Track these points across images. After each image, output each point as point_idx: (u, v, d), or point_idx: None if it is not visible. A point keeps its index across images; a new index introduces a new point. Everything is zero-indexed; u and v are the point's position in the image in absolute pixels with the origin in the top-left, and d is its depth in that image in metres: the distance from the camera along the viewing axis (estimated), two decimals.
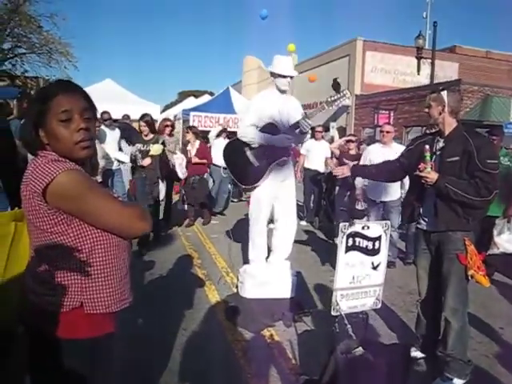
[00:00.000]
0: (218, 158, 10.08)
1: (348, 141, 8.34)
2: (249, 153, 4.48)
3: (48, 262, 1.69)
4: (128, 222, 1.74)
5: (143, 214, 1.81)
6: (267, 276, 4.57)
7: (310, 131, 4.52)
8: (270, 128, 4.44)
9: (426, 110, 3.51)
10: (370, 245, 2.87)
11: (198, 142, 8.84)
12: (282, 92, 4.51)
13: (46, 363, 1.71)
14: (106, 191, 1.83)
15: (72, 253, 1.67)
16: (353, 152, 8.02)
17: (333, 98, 4.36)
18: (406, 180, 6.38)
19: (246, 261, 5.51)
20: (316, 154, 9.26)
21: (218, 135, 10.65)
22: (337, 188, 8.27)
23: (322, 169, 9.22)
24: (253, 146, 4.49)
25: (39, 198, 1.61)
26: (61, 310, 1.66)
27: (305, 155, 9.58)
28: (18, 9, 23.17)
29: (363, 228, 2.85)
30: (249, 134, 4.47)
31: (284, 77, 4.43)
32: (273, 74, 4.49)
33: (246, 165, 4.50)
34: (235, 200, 11.95)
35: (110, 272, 1.74)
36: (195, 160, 8.67)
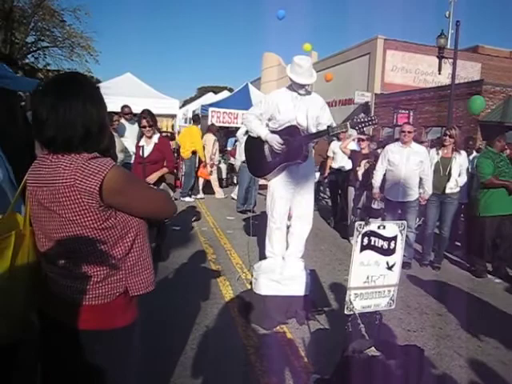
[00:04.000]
0: None
1: (358, 139, 8.27)
2: (266, 147, 4.49)
3: (91, 257, 1.70)
4: (165, 205, 1.92)
5: (170, 197, 1.99)
6: (282, 273, 4.56)
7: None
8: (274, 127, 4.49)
9: None
10: (385, 244, 2.84)
11: (156, 136, 6.15)
12: (300, 95, 4.48)
13: (74, 361, 1.74)
14: (141, 180, 1.89)
15: (119, 243, 1.75)
16: (365, 151, 7.95)
17: (358, 120, 4.23)
18: (426, 181, 6.37)
19: (261, 257, 5.52)
20: (341, 155, 9.22)
21: (246, 132, 10.58)
22: (353, 187, 8.21)
23: (348, 167, 9.15)
24: (251, 134, 4.63)
25: (91, 197, 1.61)
26: (106, 301, 1.73)
27: (331, 157, 9.58)
28: (41, 3, 23.51)
29: (379, 227, 2.82)
30: (249, 122, 4.60)
31: (302, 85, 4.38)
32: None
33: (261, 158, 4.54)
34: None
35: (146, 255, 1.86)
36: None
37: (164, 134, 13.38)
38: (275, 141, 4.35)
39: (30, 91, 3.59)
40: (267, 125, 4.56)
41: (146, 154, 5.95)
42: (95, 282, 1.71)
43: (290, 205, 4.65)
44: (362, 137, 8.30)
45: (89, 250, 1.69)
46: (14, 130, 3.05)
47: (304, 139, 4.32)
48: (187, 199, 11.48)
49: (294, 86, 4.44)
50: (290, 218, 4.76)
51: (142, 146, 6.00)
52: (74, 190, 1.60)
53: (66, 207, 1.63)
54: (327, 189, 13.27)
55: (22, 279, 1.86)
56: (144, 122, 5.98)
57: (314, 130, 4.40)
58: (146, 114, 6.05)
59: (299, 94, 4.44)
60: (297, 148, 4.32)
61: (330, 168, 9.65)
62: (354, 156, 8.22)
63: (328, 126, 4.26)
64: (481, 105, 13.53)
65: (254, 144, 4.62)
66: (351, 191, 8.16)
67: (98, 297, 1.72)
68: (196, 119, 12.23)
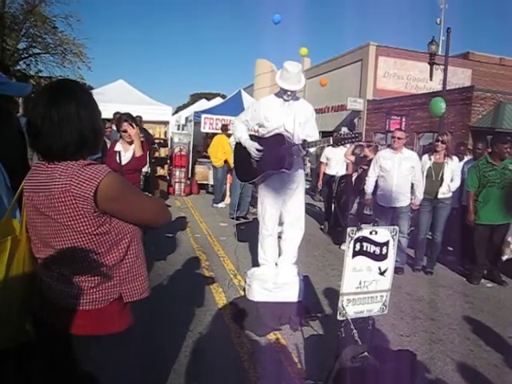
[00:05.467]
0: None
1: (358, 146, 8.31)
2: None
3: (85, 262, 1.72)
4: (160, 213, 1.94)
5: (165, 205, 2.02)
6: (275, 279, 4.57)
7: (307, 155, 4.56)
8: (255, 136, 4.61)
9: None
10: (377, 250, 2.85)
11: (137, 143, 5.24)
12: (286, 100, 4.48)
13: (68, 366, 1.75)
14: (137, 188, 1.91)
15: (113, 249, 1.76)
16: (371, 157, 7.96)
17: (342, 136, 4.22)
18: (417, 186, 6.41)
19: (253, 264, 5.52)
20: (335, 160, 9.25)
21: None
22: (347, 193, 8.24)
23: (342, 172, 9.19)
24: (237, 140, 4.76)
25: (86, 202, 1.63)
26: (100, 306, 1.74)
27: (325, 163, 9.60)
28: (33, 9, 23.43)
29: (371, 233, 2.84)
30: (235, 126, 4.79)
31: (286, 90, 4.39)
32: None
33: (247, 164, 4.61)
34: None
35: (141, 261, 1.87)
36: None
37: (157, 141, 13.39)
38: (253, 148, 4.46)
39: (23, 96, 3.57)
40: (257, 131, 4.60)
41: (124, 162, 5.21)
42: (89, 288, 1.72)
43: (281, 211, 4.66)
44: (362, 144, 8.34)
45: (83, 255, 1.70)
46: (8, 135, 3.03)
47: (288, 149, 4.32)
48: (220, 205, 11.96)
49: (281, 92, 4.47)
50: (281, 224, 4.77)
51: (119, 152, 5.23)
52: (69, 196, 1.62)
53: (61, 212, 1.65)
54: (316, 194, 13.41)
55: (17, 285, 1.85)
56: (125, 126, 5.25)
57: (302, 136, 4.40)
58: (127, 116, 5.37)
59: (284, 99, 4.46)
60: (281, 157, 4.33)
61: (324, 174, 9.68)
62: (357, 162, 8.26)
63: (304, 140, 4.22)
64: (441, 108, 13.75)
65: (242, 150, 4.67)
66: (348, 197, 8.19)
67: (91, 302, 1.73)
68: (224, 129, 12.31)
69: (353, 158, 8.46)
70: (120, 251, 1.78)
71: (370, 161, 7.70)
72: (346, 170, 9.15)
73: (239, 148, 4.73)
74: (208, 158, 14.83)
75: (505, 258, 6.21)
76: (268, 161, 4.42)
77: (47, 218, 1.69)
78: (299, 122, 4.43)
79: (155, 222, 1.94)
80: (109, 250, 1.75)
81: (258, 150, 4.44)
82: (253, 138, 4.60)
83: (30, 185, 1.75)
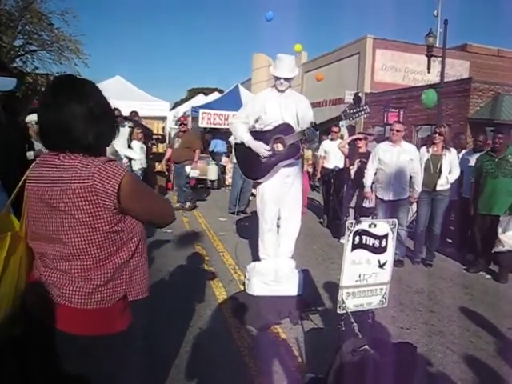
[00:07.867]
0: None
1: (356, 139, 8.30)
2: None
3: (96, 259, 1.71)
4: (169, 211, 1.98)
5: (171, 203, 2.01)
6: (274, 274, 4.57)
7: (317, 139, 4.51)
8: (256, 132, 4.54)
9: None
10: (376, 243, 2.85)
11: None
12: (280, 91, 4.49)
13: (65, 368, 1.72)
14: (149, 186, 1.94)
15: (123, 248, 1.77)
16: (362, 150, 7.97)
17: (352, 111, 4.40)
18: (415, 178, 6.41)
19: (253, 258, 5.52)
20: (333, 154, 9.22)
21: None
22: (345, 186, 8.24)
23: (340, 165, 9.16)
24: (236, 140, 4.68)
25: (109, 199, 1.64)
26: (106, 306, 1.73)
27: (323, 156, 9.56)
28: (29, 6, 23.32)
29: (370, 226, 2.83)
30: (234, 127, 4.65)
31: (278, 78, 4.43)
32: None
33: (255, 160, 4.48)
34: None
35: (145, 261, 1.88)
36: None
37: (155, 137, 13.36)
38: (262, 148, 4.37)
39: (8, 91, 3.52)
40: (254, 126, 4.56)
41: None
42: (98, 286, 1.71)
43: (280, 205, 4.64)
44: (360, 136, 8.33)
45: (95, 251, 1.70)
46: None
47: (299, 135, 4.33)
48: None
49: (275, 83, 4.49)
50: (278, 218, 4.77)
51: None
52: (90, 191, 1.62)
53: (79, 208, 1.64)
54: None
55: (12, 281, 1.84)
56: None
57: (299, 129, 4.41)
58: None
59: (278, 90, 4.48)
60: (294, 144, 4.36)
61: (323, 168, 9.65)
62: (350, 154, 8.25)
63: (313, 123, 4.33)
64: (433, 98, 13.74)
65: (246, 148, 4.55)
66: (347, 190, 8.19)
67: (99, 301, 1.71)
68: None
69: (347, 151, 8.44)
70: (129, 250, 1.78)
71: (363, 153, 7.73)
72: (344, 163, 9.13)
73: (242, 147, 4.59)
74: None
75: (493, 250, 6.17)
76: (282, 152, 4.40)
77: (61, 212, 1.67)
78: (298, 115, 4.43)
79: (164, 221, 1.97)
80: (120, 248, 1.75)
81: (266, 149, 4.36)
82: (255, 134, 4.51)
83: (38, 179, 1.73)
